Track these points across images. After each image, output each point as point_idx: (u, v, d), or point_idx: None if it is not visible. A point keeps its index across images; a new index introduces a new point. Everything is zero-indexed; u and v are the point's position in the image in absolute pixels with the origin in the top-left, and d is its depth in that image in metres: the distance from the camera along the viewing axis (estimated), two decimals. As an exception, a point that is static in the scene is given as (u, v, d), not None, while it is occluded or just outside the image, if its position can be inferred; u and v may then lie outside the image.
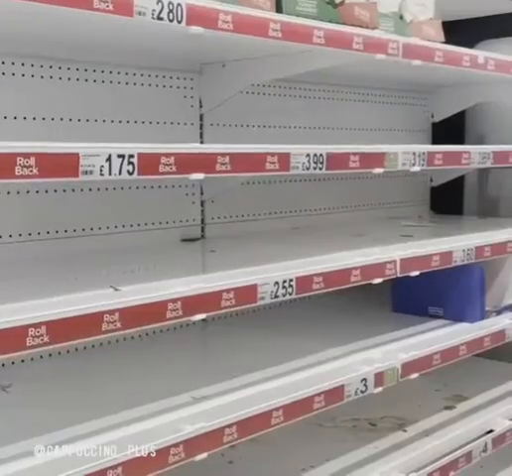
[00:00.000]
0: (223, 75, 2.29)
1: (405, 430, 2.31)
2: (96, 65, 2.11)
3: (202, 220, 2.44)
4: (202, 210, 2.44)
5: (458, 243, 2.32)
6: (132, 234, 2.24)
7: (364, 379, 1.95)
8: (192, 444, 1.54)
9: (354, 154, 1.94)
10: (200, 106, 2.38)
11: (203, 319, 2.33)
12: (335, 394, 1.87)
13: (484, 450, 2.33)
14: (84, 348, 2.08)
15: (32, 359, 1.98)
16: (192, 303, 1.57)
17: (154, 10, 1.53)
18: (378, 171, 2.02)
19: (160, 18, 1.54)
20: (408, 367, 2.09)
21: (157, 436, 1.51)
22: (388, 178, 3.01)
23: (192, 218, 2.41)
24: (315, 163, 1.83)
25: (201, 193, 2.41)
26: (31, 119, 1.98)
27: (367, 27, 2.05)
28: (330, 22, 1.95)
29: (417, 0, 2.33)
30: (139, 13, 1.51)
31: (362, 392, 1.95)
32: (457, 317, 2.50)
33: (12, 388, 1.80)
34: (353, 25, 2.02)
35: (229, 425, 1.62)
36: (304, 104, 2.73)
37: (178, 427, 1.55)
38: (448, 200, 3.27)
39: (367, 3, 2.11)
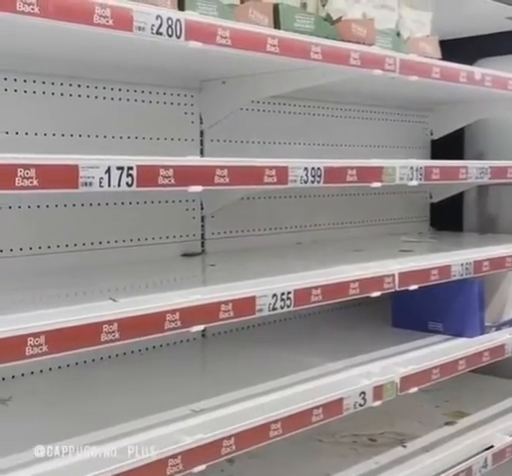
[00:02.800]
0: (223, 92, 2.31)
1: (405, 446, 2.30)
2: (97, 82, 2.14)
3: (203, 235, 2.46)
4: (203, 225, 2.45)
5: (457, 257, 2.33)
6: (133, 249, 2.26)
7: (363, 392, 1.95)
8: (190, 456, 1.54)
9: (352, 168, 1.96)
10: (201, 122, 2.40)
11: (203, 334, 2.38)
12: (334, 407, 1.87)
13: (484, 466, 2.32)
14: (84, 362, 2.09)
15: (32, 373, 1.99)
16: (190, 315, 1.58)
17: (153, 25, 1.55)
18: (376, 185, 2.04)
19: (159, 33, 1.57)
20: (407, 381, 2.08)
21: (156, 448, 1.51)
22: (388, 195, 3.02)
23: (192, 233, 2.42)
24: (312, 176, 1.85)
25: (202, 208, 2.43)
26: (32, 135, 2.01)
27: (364, 43, 2.08)
28: (327, 38, 1.98)
29: (414, 17, 2.36)
30: (138, 28, 1.53)
31: (361, 405, 1.94)
32: (457, 332, 2.49)
33: (11, 401, 1.80)
34: (350, 41, 2.05)
35: (228, 437, 1.62)
36: (303, 121, 2.75)
37: (176, 439, 1.56)
38: (447, 217, 3.28)
39: (364, 20, 2.15)
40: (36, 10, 1.37)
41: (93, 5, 1.46)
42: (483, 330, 2.50)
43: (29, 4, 1.36)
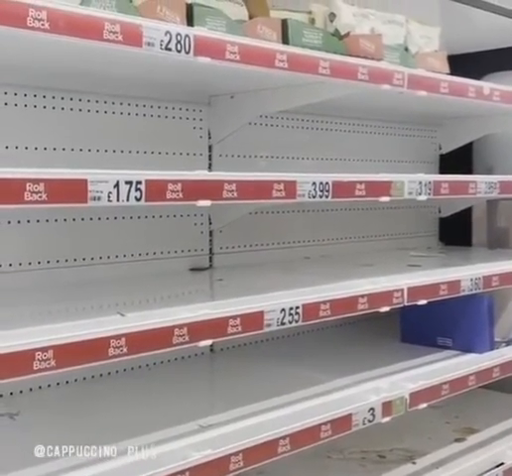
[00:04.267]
0: (232, 107, 2.32)
1: (414, 463, 2.28)
2: (106, 97, 2.15)
3: (211, 250, 2.46)
4: (211, 240, 2.45)
5: (466, 272, 2.31)
6: (141, 263, 2.26)
7: (372, 408, 1.94)
8: (198, 472, 1.54)
9: (360, 182, 1.96)
10: (209, 137, 2.41)
11: (211, 349, 2.37)
12: (343, 423, 1.86)
13: (495, 483, 2.30)
14: (92, 377, 2.08)
15: (40, 387, 1.98)
16: (198, 329, 1.57)
17: (162, 41, 1.56)
18: (384, 199, 2.04)
19: (168, 48, 1.58)
20: (416, 397, 2.07)
21: (163, 463, 1.50)
22: (397, 210, 3.02)
23: (200, 248, 2.42)
24: (320, 191, 1.85)
25: (210, 223, 2.43)
26: (41, 149, 2.02)
27: (372, 58, 2.09)
28: (336, 53, 1.98)
29: (422, 32, 2.37)
30: (148, 44, 1.54)
31: (370, 421, 1.93)
32: (466, 348, 2.48)
33: (19, 416, 1.80)
34: (358, 56, 2.05)
35: (236, 453, 1.61)
36: (311, 136, 2.75)
37: (184, 455, 1.55)
38: (456, 232, 3.27)
39: (372, 35, 2.16)
40: (46, 26, 1.38)
41: (103, 21, 1.47)
42: (493, 346, 2.49)
43: (39, 20, 1.37)
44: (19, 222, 1.99)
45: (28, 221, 2.00)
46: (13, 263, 1.98)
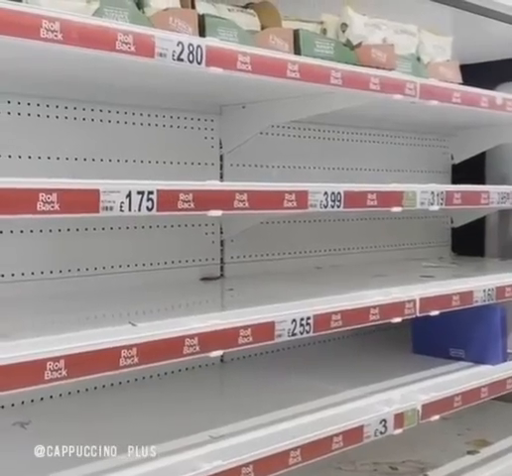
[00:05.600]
0: (243, 117, 2.32)
1: (426, 475, 2.26)
2: (117, 107, 2.16)
3: (222, 259, 2.46)
4: (222, 249, 2.45)
5: (479, 283, 2.30)
6: (152, 272, 2.26)
7: (384, 420, 1.92)
8: (208, 483, 1.53)
9: (372, 192, 1.95)
10: (221, 147, 2.41)
11: (222, 359, 2.36)
12: (354, 434, 1.84)
13: (508, 497, 2.28)
14: (103, 386, 2.08)
15: (51, 397, 1.98)
16: (208, 340, 1.57)
17: (174, 51, 1.57)
18: (396, 209, 2.03)
19: (180, 59, 1.58)
20: (428, 408, 2.05)
21: (173, 474, 1.49)
22: (409, 220, 3.01)
23: (211, 257, 2.42)
24: (332, 201, 1.85)
25: (221, 233, 2.43)
26: (54, 159, 2.03)
27: (384, 68, 2.09)
28: (347, 63, 1.98)
29: (434, 42, 2.37)
30: (160, 54, 1.55)
31: (381, 433, 1.92)
32: (479, 359, 2.46)
33: (30, 425, 1.80)
34: (370, 66, 2.05)
35: (246, 465, 1.60)
36: (323, 145, 2.75)
37: (194, 466, 1.54)
38: (469, 242, 3.25)
39: (384, 45, 2.15)
40: (59, 37, 1.39)
41: (116, 31, 1.48)
42: (506, 357, 2.47)
43: (53, 31, 1.38)
44: (32, 231, 2.00)
45: (41, 231, 2.01)
46: (25, 272, 1.98)
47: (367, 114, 2.63)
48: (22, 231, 1.97)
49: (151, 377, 2.18)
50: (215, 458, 1.57)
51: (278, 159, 2.60)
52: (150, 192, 1.50)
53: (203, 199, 1.60)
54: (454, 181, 3.22)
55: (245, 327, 1.63)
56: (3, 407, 1.89)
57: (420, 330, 2.56)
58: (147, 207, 1.50)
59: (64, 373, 1.35)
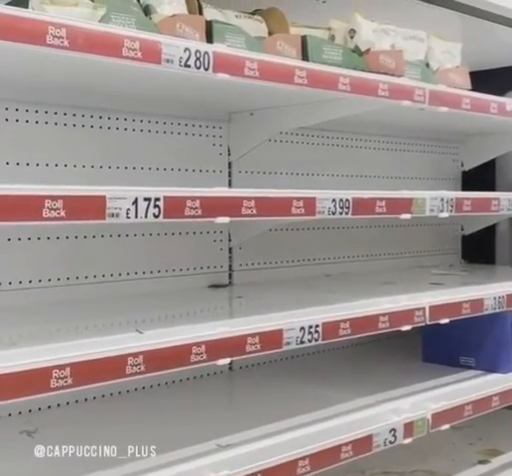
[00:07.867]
0: (251, 124, 2.32)
1: (437, 485, 2.24)
2: (128, 114, 2.16)
3: (230, 267, 2.45)
4: (230, 257, 2.44)
5: (489, 291, 2.28)
6: (160, 280, 2.25)
7: (393, 429, 1.90)
8: (215, 492, 1.52)
9: (381, 199, 1.94)
10: (229, 154, 2.41)
11: (230, 367, 2.35)
12: (363, 444, 1.83)
13: (520, 507, 2.25)
14: (110, 395, 2.07)
15: (58, 405, 1.97)
16: (216, 348, 1.56)
17: (181, 57, 1.56)
18: (405, 216, 2.02)
19: (187, 65, 1.58)
20: (438, 418, 2.03)
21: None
22: (419, 227, 3.00)
23: (219, 265, 2.41)
24: (340, 208, 1.83)
25: (229, 240, 2.42)
26: (62, 166, 2.02)
27: (393, 74, 2.08)
28: (356, 69, 1.97)
29: (443, 48, 2.35)
30: (167, 61, 1.54)
31: (391, 442, 1.90)
32: (490, 368, 2.44)
33: (37, 433, 1.79)
34: (379, 72, 2.04)
35: (254, 474, 1.59)
36: (331, 152, 2.74)
37: (201, 475, 1.53)
38: (479, 249, 3.23)
39: (393, 51, 2.14)
40: (66, 43, 1.39)
41: (122, 38, 1.48)
42: (517, 366, 2.45)
43: (59, 37, 1.38)
44: (39, 239, 1.99)
45: (48, 238, 2.01)
46: (33, 280, 1.98)
47: (376, 121, 2.61)
48: (29, 238, 1.97)
49: (159, 385, 2.17)
50: (223, 468, 1.56)
51: (286, 165, 2.59)
52: (157, 199, 1.49)
53: (211, 206, 1.59)
54: (465, 189, 3.21)
55: (253, 335, 1.62)
56: (10, 414, 1.88)
57: (430, 338, 2.54)
58: (154, 214, 1.49)
59: (69, 381, 1.34)
